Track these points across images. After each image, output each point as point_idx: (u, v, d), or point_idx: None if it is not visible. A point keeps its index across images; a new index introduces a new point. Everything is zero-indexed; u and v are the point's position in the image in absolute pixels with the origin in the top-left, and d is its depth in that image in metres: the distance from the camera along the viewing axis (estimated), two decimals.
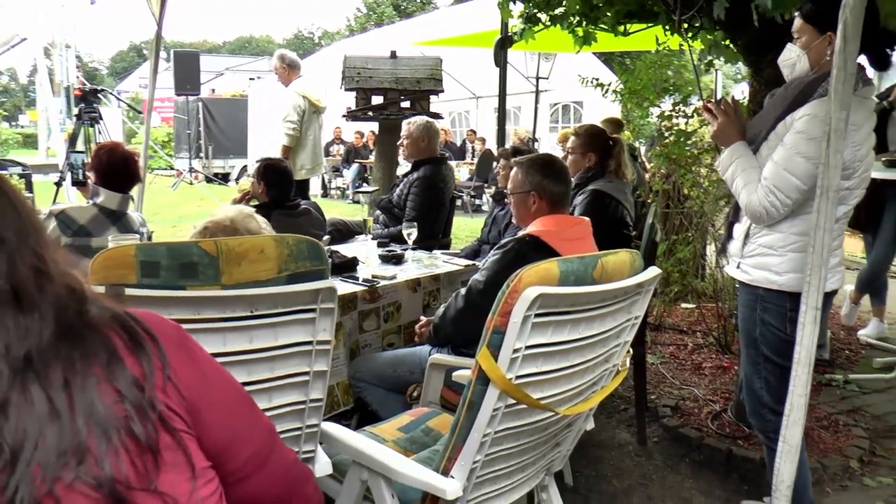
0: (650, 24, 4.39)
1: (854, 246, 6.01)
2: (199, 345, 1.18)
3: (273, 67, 6.79)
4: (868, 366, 4.89)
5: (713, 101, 2.78)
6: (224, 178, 18.78)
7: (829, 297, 2.63)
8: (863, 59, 2.54)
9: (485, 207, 14.06)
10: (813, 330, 2.37)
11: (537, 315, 1.79)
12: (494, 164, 13.91)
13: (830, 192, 2.34)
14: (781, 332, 2.59)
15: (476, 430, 1.90)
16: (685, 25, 3.57)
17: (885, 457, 3.67)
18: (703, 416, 3.95)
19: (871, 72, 2.68)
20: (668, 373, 4.61)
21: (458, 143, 17.77)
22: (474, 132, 17.83)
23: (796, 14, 2.66)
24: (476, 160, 15.35)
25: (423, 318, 3.21)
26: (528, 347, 1.83)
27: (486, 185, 14.34)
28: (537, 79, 11.16)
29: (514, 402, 1.90)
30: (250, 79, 23.69)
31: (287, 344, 1.72)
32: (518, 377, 1.86)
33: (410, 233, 4.10)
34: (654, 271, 2.13)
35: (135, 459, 0.99)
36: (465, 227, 10.50)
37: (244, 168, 17.75)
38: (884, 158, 4.74)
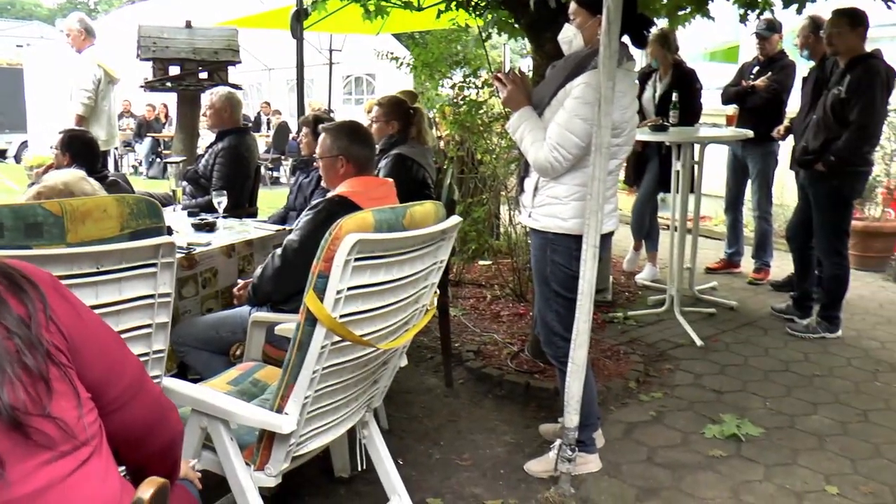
0: None
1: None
2: (69, 290, 1.32)
3: (67, 30, 6.48)
4: (644, 303, 5.55)
5: (502, 72, 3.13)
6: (0, 154, 17.43)
7: (606, 238, 3.07)
8: (627, 39, 2.99)
9: (283, 179, 14.03)
10: (593, 265, 2.79)
11: (357, 259, 2.03)
12: (291, 135, 13.95)
13: (603, 148, 2.75)
14: (568, 269, 2.99)
15: (306, 368, 2.12)
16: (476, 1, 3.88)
17: (657, 376, 4.29)
18: (503, 356, 4.36)
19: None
20: (470, 322, 4.99)
21: (253, 116, 17.51)
22: (269, 104, 17.64)
23: None
24: (272, 132, 15.22)
25: (241, 282, 3.35)
26: (349, 289, 2.06)
27: (283, 157, 14.30)
28: (331, 51, 11.29)
29: (339, 339, 2.12)
30: (18, 46, 21.90)
31: (131, 298, 1.84)
32: (342, 316, 2.09)
33: (221, 201, 4.19)
34: (455, 219, 2.43)
35: (28, 388, 1.13)
36: (265, 199, 10.44)
37: (24, 143, 16.57)
38: (650, 124, 5.37)
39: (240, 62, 6.69)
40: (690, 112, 5.69)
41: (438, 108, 6.44)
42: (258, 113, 17.67)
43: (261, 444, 2.26)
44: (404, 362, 2.73)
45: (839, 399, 4.03)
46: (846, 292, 4.97)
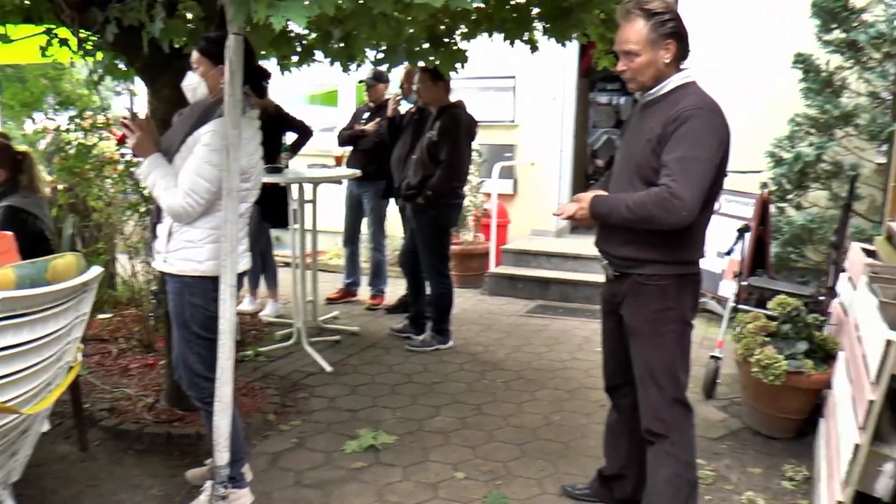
0: (42, 31, 4.34)
1: None
2: None
3: None
4: (272, 339, 5.73)
5: (129, 118, 3.11)
6: None
7: (241, 277, 3.19)
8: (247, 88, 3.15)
9: None
10: (232, 304, 2.90)
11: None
12: None
13: (233, 192, 2.89)
14: (207, 310, 3.07)
15: None
16: (86, 38, 3.73)
17: (293, 405, 4.51)
18: (139, 410, 4.23)
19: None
20: (98, 380, 4.73)
21: None
22: None
23: (195, 47, 3.13)
24: None
25: None
26: None
27: None
28: None
29: None
30: None
31: None
32: None
33: None
34: (97, 270, 2.40)
35: None
36: None
37: None
38: (266, 166, 5.59)
39: None
40: (303, 131, 6.23)
41: (41, 152, 6.03)
42: None
43: None
44: (46, 427, 2.61)
45: (456, 399, 4.63)
46: (452, 307, 5.68)
